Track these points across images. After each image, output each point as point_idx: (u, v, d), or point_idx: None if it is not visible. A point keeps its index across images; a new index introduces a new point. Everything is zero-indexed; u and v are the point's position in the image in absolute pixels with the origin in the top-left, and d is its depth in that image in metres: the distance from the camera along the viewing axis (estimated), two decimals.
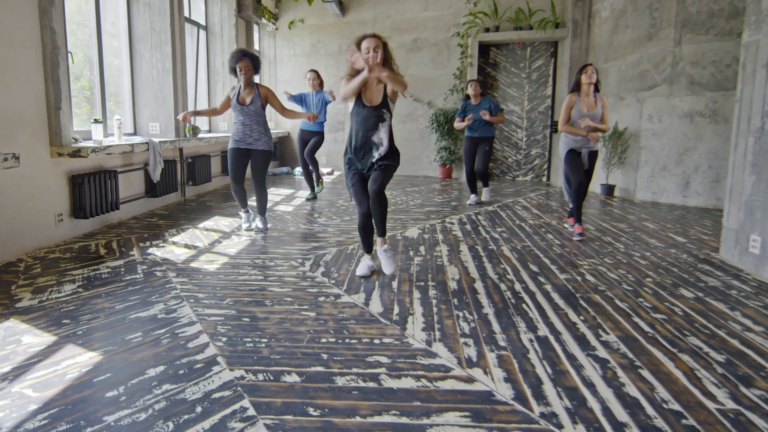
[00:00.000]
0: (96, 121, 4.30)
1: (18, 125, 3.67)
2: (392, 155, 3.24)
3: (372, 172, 3.20)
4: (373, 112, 3.18)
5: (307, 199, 6.40)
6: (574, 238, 4.47)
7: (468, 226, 4.97)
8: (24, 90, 3.74)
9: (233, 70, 4.33)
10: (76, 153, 4.03)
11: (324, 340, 2.39)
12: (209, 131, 7.88)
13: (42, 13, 3.87)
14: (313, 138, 6.28)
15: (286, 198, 6.59)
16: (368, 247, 3.41)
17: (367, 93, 3.21)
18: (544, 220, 5.31)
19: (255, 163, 4.46)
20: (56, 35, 3.93)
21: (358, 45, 3.10)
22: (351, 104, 3.23)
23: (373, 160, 3.18)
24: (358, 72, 3.15)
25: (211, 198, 6.50)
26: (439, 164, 8.99)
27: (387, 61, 3.14)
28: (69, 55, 4.19)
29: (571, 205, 4.58)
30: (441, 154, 8.97)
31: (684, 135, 6.37)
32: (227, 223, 4.94)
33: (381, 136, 3.18)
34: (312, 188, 6.51)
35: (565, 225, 4.80)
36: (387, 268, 3.26)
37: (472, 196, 6.31)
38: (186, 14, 6.91)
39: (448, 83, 8.99)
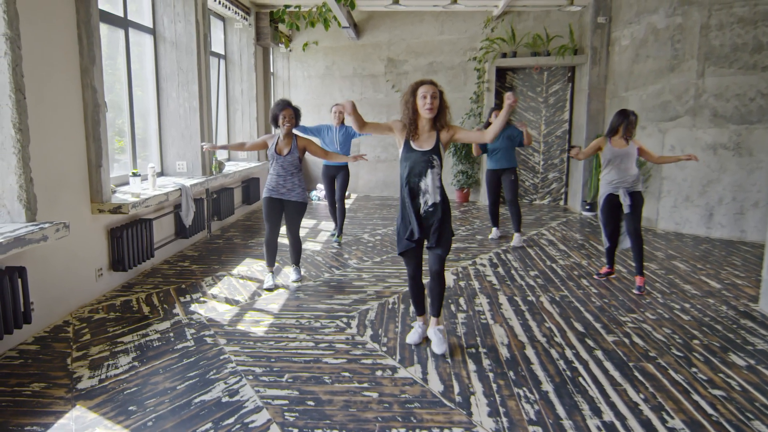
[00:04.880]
0: (134, 174, 4.31)
1: (62, 186, 3.68)
2: (445, 216, 3.15)
3: (431, 248, 3.17)
4: (421, 157, 3.11)
5: (332, 235, 6.37)
6: (595, 276, 4.78)
7: (500, 270, 4.98)
8: (67, 150, 3.75)
9: (275, 119, 4.33)
10: (117, 209, 4.04)
11: (394, 431, 2.41)
12: (228, 159, 7.90)
13: (83, 72, 3.88)
14: (340, 174, 6.16)
15: (311, 232, 6.60)
16: (420, 308, 3.36)
17: (417, 137, 3.14)
18: (574, 260, 5.34)
19: (289, 215, 4.44)
20: (97, 93, 3.93)
21: (414, 91, 3.09)
22: (400, 148, 3.18)
23: (423, 210, 3.12)
24: (414, 118, 3.10)
25: (236, 232, 6.52)
26: (456, 188, 9.01)
27: (442, 111, 3.12)
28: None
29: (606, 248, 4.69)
30: (458, 178, 8.99)
31: (707, 167, 6.39)
32: (260, 269, 4.95)
33: (428, 182, 3.09)
34: (336, 223, 6.48)
35: (595, 276, 4.80)
36: (437, 348, 3.20)
37: (494, 230, 6.25)
38: None
39: (464, 107, 9.00)
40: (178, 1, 5.62)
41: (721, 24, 6.17)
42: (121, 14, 4.93)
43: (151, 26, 5.59)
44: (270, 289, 4.35)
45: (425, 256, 3.24)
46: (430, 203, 3.12)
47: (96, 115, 3.95)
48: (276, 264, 4.63)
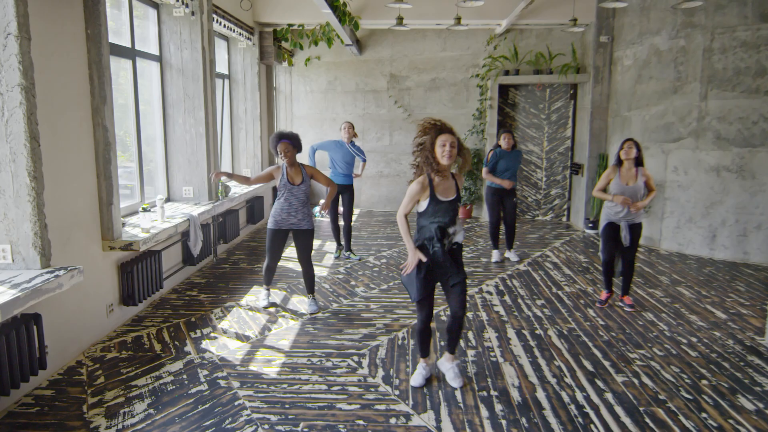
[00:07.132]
0: (144, 209, 4.33)
1: (74, 226, 3.70)
2: (461, 250, 3.33)
3: (453, 288, 3.23)
4: (450, 206, 3.19)
5: (336, 257, 6.41)
6: (597, 304, 4.81)
7: (507, 298, 5.02)
8: (79, 190, 3.77)
9: (275, 150, 4.44)
10: (128, 246, 4.06)
11: None
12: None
13: (95, 112, 3.90)
14: (347, 193, 6.25)
15: (316, 254, 6.61)
16: (425, 351, 3.42)
17: (440, 187, 3.17)
18: (580, 286, 5.37)
19: (301, 243, 4.54)
20: (108, 132, 3.95)
21: (432, 139, 3.08)
22: (424, 203, 3.16)
23: (448, 248, 3.21)
24: (438, 171, 3.11)
25: (242, 255, 6.54)
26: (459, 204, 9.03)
27: (464, 157, 3.20)
28: None
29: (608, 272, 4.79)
30: (461, 194, 9.01)
31: (710, 188, 6.43)
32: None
33: (456, 228, 3.26)
34: (339, 243, 6.48)
35: (620, 304, 4.84)
36: (454, 382, 3.33)
37: (495, 252, 6.33)
38: None
39: (467, 123, 9.04)
40: (184, 28, 5.64)
41: (724, 47, 6.21)
42: (129, 45, 4.95)
43: (157, 54, 5.61)
44: (266, 307, 4.68)
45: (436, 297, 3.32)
46: (454, 241, 3.26)
47: (107, 154, 3.97)
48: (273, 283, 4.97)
